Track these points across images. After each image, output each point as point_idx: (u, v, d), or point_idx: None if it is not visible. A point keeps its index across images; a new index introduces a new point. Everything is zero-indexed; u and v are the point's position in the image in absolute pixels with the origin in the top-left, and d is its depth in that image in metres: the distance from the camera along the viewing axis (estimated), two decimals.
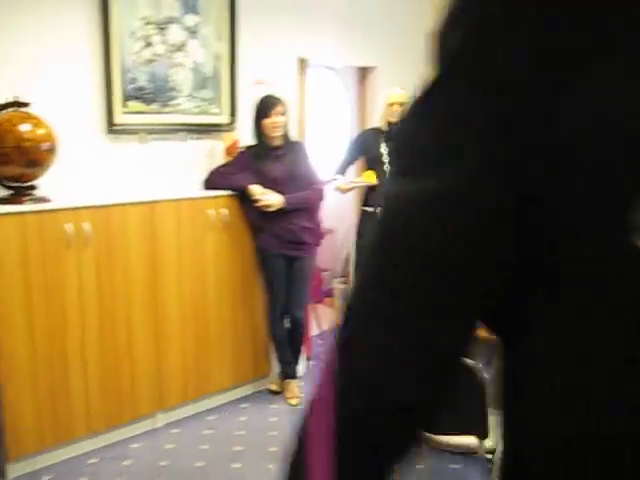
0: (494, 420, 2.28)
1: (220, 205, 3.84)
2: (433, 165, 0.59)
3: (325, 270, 6.60)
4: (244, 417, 3.93)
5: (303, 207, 3.90)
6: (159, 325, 3.63)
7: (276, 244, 3.89)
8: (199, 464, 3.38)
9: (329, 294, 6.51)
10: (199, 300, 3.80)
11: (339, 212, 5.82)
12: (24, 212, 3.07)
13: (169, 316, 3.67)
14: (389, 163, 4.54)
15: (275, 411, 4.01)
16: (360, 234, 4.72)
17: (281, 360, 4.16)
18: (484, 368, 2.24)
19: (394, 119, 4.48)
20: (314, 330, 5.04)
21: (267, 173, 3.82)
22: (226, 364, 4.02)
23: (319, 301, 6.50)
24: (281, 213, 3.82)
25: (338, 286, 6.31)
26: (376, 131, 4.59)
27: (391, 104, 4.47)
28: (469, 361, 2.08)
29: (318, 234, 4.05)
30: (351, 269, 5.99)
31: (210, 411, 3.98)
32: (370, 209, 4.59)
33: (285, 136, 3.92)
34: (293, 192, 3.85)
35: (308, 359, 4.76)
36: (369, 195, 4.46)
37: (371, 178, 4.31)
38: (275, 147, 3.86)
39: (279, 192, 3.81)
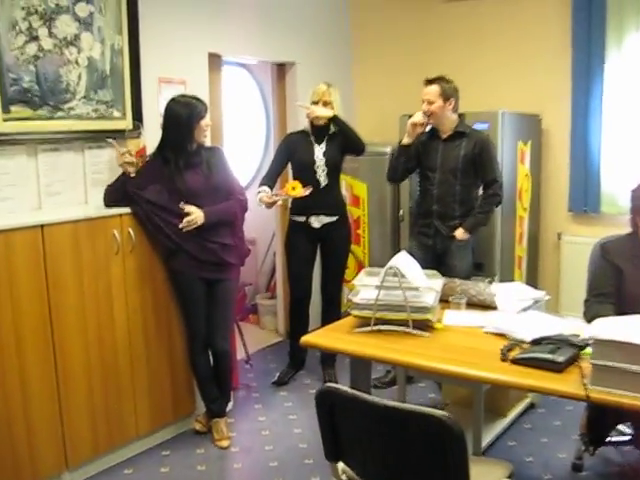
0: None
1: (126, 224, 3.30)
2: None
3: (248, 284, 6.11)
4: (166, 468, 3.39)
5: (224, 221, 3.41)
6: (59, 367, 3.05)
7: (194, 266, 3.38)
8: None
9: (253, 310, 6.02)
10: (106, 334, 3.25)
11: (261, 221, 5.35)
12: None
13: (70, 355, 3.10)
14: (327, 166, 4.10)
15: (203, 457, 3.49)
16: (290, 246, 4.26)
17: (206, 397, 3.65)
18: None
19: (320, 120, 4.05)
20: (239, 353, 4.55)
21: (181, 184, 3.30)
22: (141, 406, 3.47)
23: (243, 318, 6.01)
24: (198, 230, 3.32)
25: (263, 302, 5.83)
26: (303, 134, 4.15)
27: (316, 102, 4.04)
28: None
29: (242, 252, 3.57)
30: (279, 283, 5.52)
31: (126, 463, 3.42)
32: (300, 219, 4.14)
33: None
34: (211, 205, 3.35)
35: (235, 389, 4.27)
36: (298, 203, 4.00)
37: (296, 190, 3.85)
38: (190, 154, 3.35)
39: (195, 206, 3.30)
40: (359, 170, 5.00)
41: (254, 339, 5.43)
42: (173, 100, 3.33)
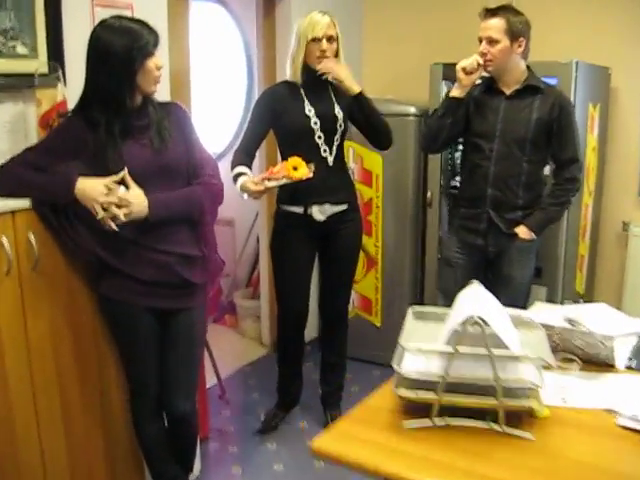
0: None
1: (22, 228, 2.04)
2: None
3: (224, 276, 4.87)
4: None
5: (182, 218, 2.18)
6: None
7: (135, 291, 2.16)
8: None
9: (230, 310, 4.81)
10: None
11: (239, 198, 4.12)
12: None
13: None
14: (330, 133, 2.87)
15: None
16: (281, 248, 3.04)
17: (159, 475, 2.46)
18: None
19: (319, 63, 2.81)
20: (209, 379, 3.39)
21: (115, 161, 2.05)
22: None
23: (217, 319, 4.82)
24: (143, 232, 2.10)
25: (243, 302, 4.62)
26: (291, 87, 2.90)
27: (313, 40, 2.78)
28: None
29: (212, 266, 2.33)
30: (263, 277, 4.30)
31: None
32: (296, 209, 2.92)
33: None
34: (164, 192, 2.13)
35: (205, 440, 3.10)
36: (292, 188, 2.76)
37: (299, 170, 2.62)
38: (130, 113, 2.10)
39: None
40: None
41: (231, 351, 4.24)
42: (103, 24, 2.06)
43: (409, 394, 1.65)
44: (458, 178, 3.72)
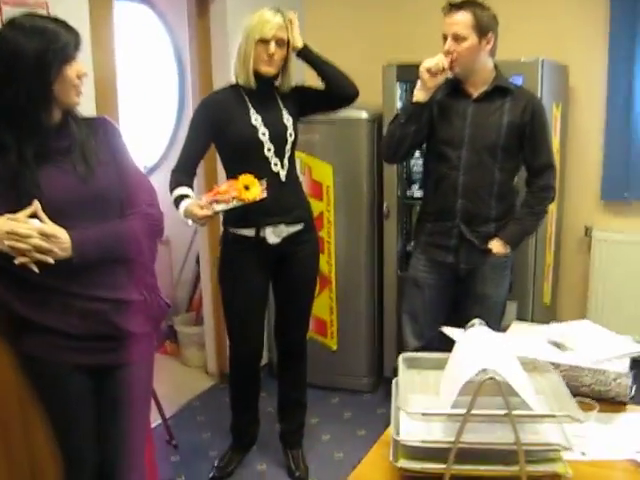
0: None
1: None
2: None
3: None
4: None
5: (118, 257, 1.82)
6: None
7: (64, 346, 1.77)
8: None
9: (171, 336, 4.41)
10: None
11: (175, 212, 3.75)
12: None
13: None
14: (280, 143, 2.56)
15: None
16: (230, 277, 2.69)
17: None
18: None
19: (270, 67, 2.49)
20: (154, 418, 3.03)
21: (35, 191, 1.67)
22: None
23: (157, 347, 4.40)
24: (68, 277, 1.73)
25: (185, 329, 4.24)
26: (232, 93, 2.57)
27: (262, 40, 2.45)
28: None
29: (155, 310, 1.97)
30: (206, 299, 3.93)
31: None
32: (246, 232, 2.58)
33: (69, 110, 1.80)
34: (92, 226, 1.76)
35: None
36: (242, 208, 2.43)
37: (251, 190, 2.28)
38: (48, 131, 1.72)
39: (63, 227, 1.68)
40: (320, 144, 3.44)
41: (174, 383, 3.86)
42: (11, 24, 1.68)
43: (413, 465, 1.36)
44: (416, 187, 3.46)
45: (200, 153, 2.58)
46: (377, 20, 3.93)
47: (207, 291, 3.93)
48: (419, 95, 2.53)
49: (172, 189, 2.42)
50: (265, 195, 2.29)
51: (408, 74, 3.23)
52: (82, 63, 1.74)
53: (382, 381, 3.74)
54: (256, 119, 2.50)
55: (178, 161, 2.53)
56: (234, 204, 2.24)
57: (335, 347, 3.69)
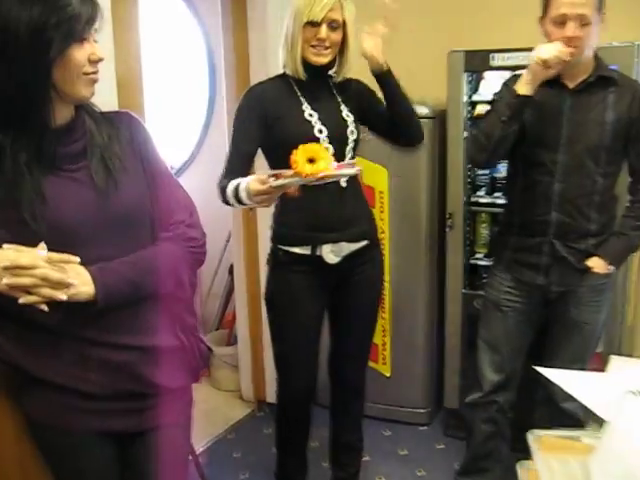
0: None
1: None
2: None
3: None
4: None
5: (150, 293, 1.40)
6: None
7: (80, 409, 1.38)
8: None
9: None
10: None
11: (209, 210, 3.36)
12: None
13: None
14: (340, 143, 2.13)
15: None
16: (282, 302, 2.26)
17: None
18: None
19: (322, 56, 2.07)
20: None
21: (34, 212, 1.27)
22: None
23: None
24: (86, 321, 1.33)
25: (216, 349, 3.84)
26: (285, 84, 2.14)
27: (311, 23, 2.03)
28: None
29: (195, 358, 1.55)
30: (240, 316, 3.51)
31: None
32: (300, 250, 2.16)
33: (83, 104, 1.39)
34: (115, 254, 1.35)
35: None
36: (294, 219, 2.02)
37: (319, 163, 1.70)
38: (51, 132, 1.31)
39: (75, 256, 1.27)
40: (372, 144, 2.91)
41: (205, 410, 3.46)
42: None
43: None
44: (482, 192, 3.02)
45: (253, 151, 2.13)
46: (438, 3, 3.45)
47: (242, 306, 3.52)
48: (525, 88, 2.07)
49: (224, 190, 1.98)
50: (349, 172, 1.84)
51: (478, 62, 2.82)
52: (98, 46, 1.33)
53: (440, 412, 3.32)
54: (311, 114, 2.08)
55: (226, 167, 2.08)
56: (292, 181, 1.75)
57: (388, 374, 3.27)
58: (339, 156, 2.09)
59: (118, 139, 1.41)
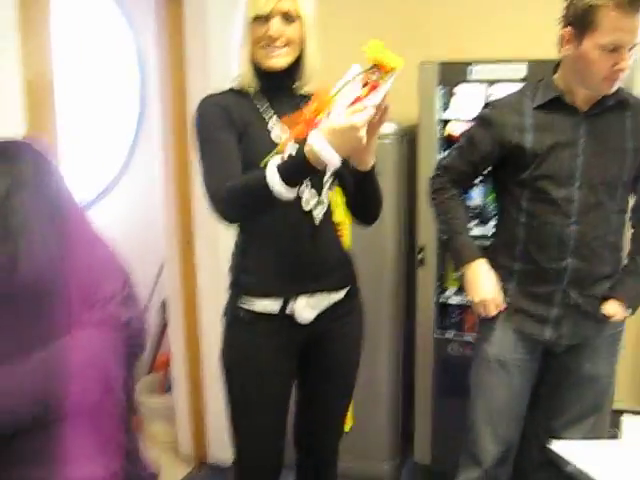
0: None
1: None
2: None
3: None
4: None
5: (62, 405, 0.96)
6: None
7: None
8: None
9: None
10: None
11: (137, 236, 2.87)
12: None
13: None
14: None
15: None
16: (235, 355, 1.79)
17: None
18: None
19: (275, 57, 1.67)
20: None
21: None
22: None
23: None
24: None
25: (148, 399, 3.36)
26: (241, 97, 1.71)
27: (256, 19, 1.63)
28: None
29: None
30: (176, 359, 3.06)
31: None
32: (269, 304, 1.73)
33: None
34: (14, 350, 0.91)
35: None
36: (261, 263, 1.67)
37: (392, 57, 1.44)
38: None
39: None
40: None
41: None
42: None
43: None
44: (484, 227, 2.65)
45: (238, 155, 1.65)
46: (409, 8, 3.08)
47: (178, 347, 3.09)
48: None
49: (245, 185, 1.55)
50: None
51: (452, 75, 2.48)
52: None
53: (406, 465, 2.96)
54: (280, 136, 1.66)
55: (221, 177, 1.58)
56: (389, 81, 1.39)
57: (347, 428, 2.88)
58: (318, 186, 1.69)
59: (17, 183, 0.97)
